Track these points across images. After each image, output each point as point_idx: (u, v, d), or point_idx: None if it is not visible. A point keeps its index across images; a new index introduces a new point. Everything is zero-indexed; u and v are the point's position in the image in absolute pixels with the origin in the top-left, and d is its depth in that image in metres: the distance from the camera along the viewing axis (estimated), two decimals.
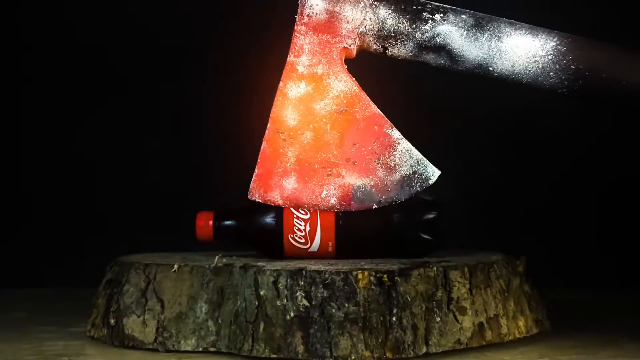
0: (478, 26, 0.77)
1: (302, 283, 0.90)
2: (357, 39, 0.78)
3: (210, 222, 1.05)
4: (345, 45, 0.79)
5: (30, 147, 1.62)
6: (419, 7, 0.77)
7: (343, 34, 0.78)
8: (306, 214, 1.01)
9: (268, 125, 0.81)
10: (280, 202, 0.83)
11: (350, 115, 0.79)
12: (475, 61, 0.78)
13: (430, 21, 0.76)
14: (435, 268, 0.93)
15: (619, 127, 1.44)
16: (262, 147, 0.82)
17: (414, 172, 0.80)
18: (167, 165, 1.61)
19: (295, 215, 1.01)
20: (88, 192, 1.61)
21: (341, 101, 0.78)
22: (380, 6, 0.77)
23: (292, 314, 0.89)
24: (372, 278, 0.90)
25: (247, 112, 1.60)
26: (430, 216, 1.02)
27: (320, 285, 0.89)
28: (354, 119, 0.79)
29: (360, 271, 0.90)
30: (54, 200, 1.61)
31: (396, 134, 0.80)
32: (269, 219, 1.02)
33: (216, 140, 1.61)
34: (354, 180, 0.81)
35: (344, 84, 0.79)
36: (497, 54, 0.77)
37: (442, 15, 0.77)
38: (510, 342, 0.98)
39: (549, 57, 0.77)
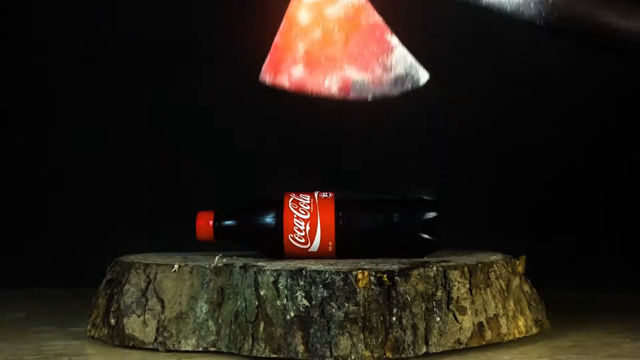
0: None
1: (302, 283, 0.90)
2: None
3: (211, 222, 1.05)
4: None
5: (30, 147, 1.62)
6: None
7: None
8: (306, 214, 1.02)
9: (282, 21, 0.88)
10: (287, 86, 0.89)
11: (356, 22, 0.87)
12: None
13: None
14: (435, 268, 0.93)
15: (618, 127, 1.44)
16: (275, 39, 0.89)
17: (407, 74, 0.88)
18: (167, 165, 1.61)
19: (295, 215, 1.01)
20: (88, 192, 1.61)
21: (349, 9, 0.87)
22: None
23: (292, 314, 0.89)
24: (372, 278, 0.90)
25: (248, 112, 1.61)
26: (430, 216, 1.02)
27: (320, 285, 0.90)
28: (359, 25, 0.87)
29: (360, 271, 0.90)
30: (54, 200, 1.61)
31: (395, 40, 0.88)
32: (269, 219, 1.03)
33: (216, 140, 1.61)
34: (354, 74, 0.88)
35: None
36: None
37: None
38: (510, 342, 0.98)
39: None
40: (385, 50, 0.87)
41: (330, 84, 0.89)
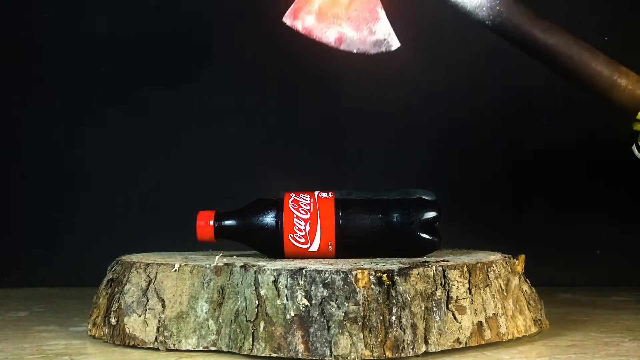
0: None
1: (302, 282, 0.90)
2: None
3: (211, 222, 1.05)
4: None
5: (30, 147, 1.62)
6: None
7: None
8: (306, 214, 1.02)
9: None
10: (300, 29, 1.12)
11: None
12: None
13: None
14: (434, 267, 0.93)
15: (617, 129, 1.45)
16: None
17: (384, 40, 1.11)
18: (167, 165, 1.62)
19: (295, 215, 1.02)
20: (89, 192, 1.62)
21: None
22: None
23: (292, 313, 0.90)
24: (371, 277, 0.90)
25: (249, 113, 1.61)
26: (430, 216, 1.02)
27: (320, 285, 0.90)
28: None
29: (360, 270, 0.90)
30: (54, 200, 1.62)
31: (382, 13, 1.12)
32: (269, 219, 1.03)
33: (217, 140, 1.62)
34: (348, 31, 1.12)
35: None
36: None
37: None
38: (509, 342, 0.99)
39: None
40: (374, 19, 1.12)
41: (329, 34, 1.12)
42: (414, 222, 1.02)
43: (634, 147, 1.16)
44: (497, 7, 1.11)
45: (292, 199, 1.03)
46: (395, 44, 1.12)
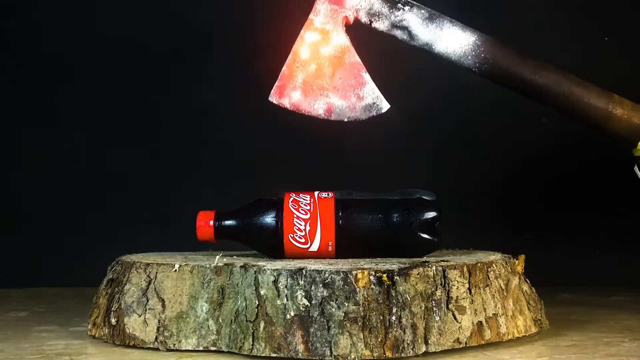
0: (429, 18, 1.14)
1: (302, 282, 0.90)
2: (355, 12, 1.14)
3: (211, 222, 1.05)
4: (347, 15, 1.14)
5: (30, 147, 1.62)
6: (396, 0, 1.14)
7: (347, 7, 1.13)
8: (306, 214, 1.02)
9: (289, 56, 1.13)
10: (288, 106, 1.13)
11: (341, 60, 1.13)
12: (424, 41, 1.14)
13: (401, 10, 1.14)
14: (434, 267, 0.93)
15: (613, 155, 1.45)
16: (282, 69, 1.14)
17: (374, 103, 1.13)
18: (167, 165, 1.62)
19: (295, 215, 1.02)
20: (89, 192, 1.62)
21: (337, 49, 1.13)
22: None
23: (292, 313, 0.90)
24: (371, 277, 0.90)
25: (248, 113, 1.61)
26: (430, 216, 1.02)
27: (320, 285, 0.90)
28: (343, 62, 1.13)
29: (360, 270, 0.90)
30: (54, 200, 1.62)
31: (367, 76, 1.13)
32: (269, 219, 1.03)
33: (217, 140, 1.62)
34: (336, 101, 1.13)
35: (341, 39, 1.13)
36: (438, 38, 1.14)
37: (409, 7, 1.14)
38: (509, 342, 0.99)
39: (470, 46, 1.13)
40: (360, 84, 1.13)
41: (318, 107, 1.13)
42: (414, 222, 1.02)
43: (635, 168, 1.17)
44: (483, 54, 1.13)
45: (292, 199, 1.03)
46: (385, 105, 1.13)
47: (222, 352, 0.93)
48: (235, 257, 1.04)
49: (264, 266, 0.93)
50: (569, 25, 1.61)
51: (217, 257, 1.00)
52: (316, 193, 1.04)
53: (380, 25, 1.14)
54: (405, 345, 0.90)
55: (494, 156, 1.61)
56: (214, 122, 1.61)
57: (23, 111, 1.62)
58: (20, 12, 1.62)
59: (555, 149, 1.60)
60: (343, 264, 0.95)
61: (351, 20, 1.14)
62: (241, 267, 0.94)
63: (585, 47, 1.59)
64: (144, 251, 1.14)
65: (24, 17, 1.62)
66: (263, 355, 0.90)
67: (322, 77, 1.12)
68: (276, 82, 1.13)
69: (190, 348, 0.94)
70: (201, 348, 0.94)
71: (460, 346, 0.93)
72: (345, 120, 1.14)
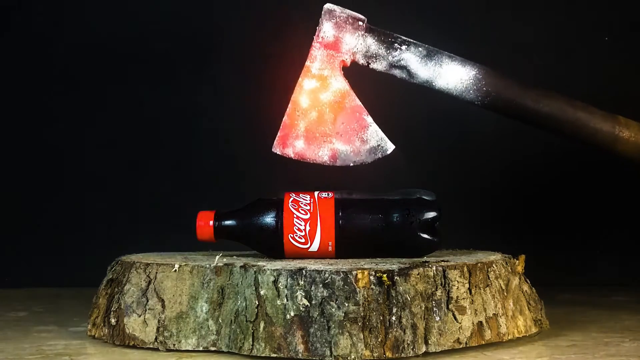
0: (428, 56, 1.14)
1: (302, 282, 0.90)
2: (351, 55, 1.14)
3: (211, 222, 1.05)
4: (344, 59, 1.13)
5: (30, 147, 1.62)
6: (392, 40, 1.14)
7: (343, 51, 1.13)
8: (306, 214, 1.02)
9: (289, 105, 1.12)
10: (292, 156, 1.13)
11: (341, 104, 1.12)
12: (424, 78, 1.14)
13: (398, 49, 1.13)
14: (434, 267, 0.93)
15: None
16: (283, 119, 1.12)
17: (378, 145, 1.12)
18: (167, 165, 1.62)
19: (295, 215, 1.02)
20: (89, 192, 1.61)
21: (337, 94, 1.12)
22: (369, 36, 1.13)
23: (292, 313, 0.90)
24: (371, 277, 0.90)
25: (248, 114, 1.61)
26: (430, 216, 1.02)
27: (320, 285, 0.90)
28: (344, 107, 1.12)
29: (360, 271, 0.90)
30: (54, 200, 1.62)
31: (369, 119, 1.12)
32: (269, 219, 1.03)
33: (217, 140, 1.62)
34: (340, 146, 1.13)
35: (340, 83, 1.13)
36: (438, 75, 1.13)
37: (406, 46, 1.14)
38: (510, 342, 0.99)
39: (470, 80, 1.13)
40: (362, 128, 1.12)
41: (322, 154, 1.13)
42: (414, 222, 1.02)
43: None
44: (484, 88, 1.12)
45: (292, 199, 1.03)
46: (390, 146, 1.12)
47: (222, 352, 0.93)
48: (235, 257, 1.04)
49: (264, 266, 0.93)
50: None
51: (217, 257, 1.00)
52: (316, 193, 1.04)
53: (379, 66, 1.13)
54: (406, 346, 0.90)
55: (495, 156, 1.61)
56: (215, 122, 1.61)
57: (22, 110, 1.62)
58: (20, 12, 1.62)
59: (555, 149, 1.60)
60: (343, 264, 0.95)
61: (348, 63, 1.14)
62: (241, 267, 0.94)
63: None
64: (144, 251, 1.13)
65: (22, 16, 1.62)
66: (263, 355, 0.90)
67: (324, 123, 1.12)
68: (278, 133, 1.13)
69: (190, 348, 0.94)
70: (201, 348, 0.94)
71: (461, 346, 0.93)
72: (351, 164, 1.13)
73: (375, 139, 1.11)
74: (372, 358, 0.88)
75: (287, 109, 1.12)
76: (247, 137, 1.61)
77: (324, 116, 1.11)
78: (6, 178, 1.62)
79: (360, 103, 1.12)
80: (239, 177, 1.59)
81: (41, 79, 1.62)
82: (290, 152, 1.12)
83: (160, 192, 1.60)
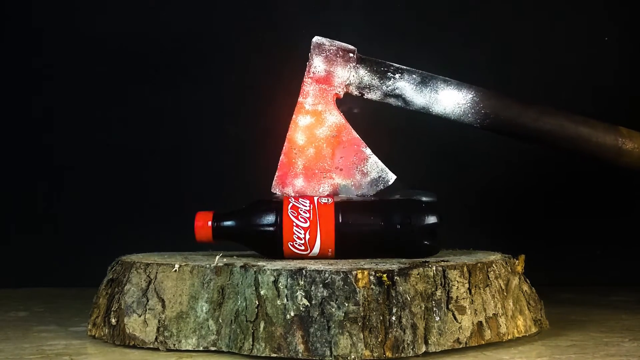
0: (423, 82, 1.12)
1: (302, 282, 0.90)
2: (344, 87, 1.12)
3: (209, 223, 1.04)
4: (337, 92, 1.12)
5: (30, 147, 1.62)
6: (385, 69, 1.12)
7: (335, 85, 1.11)
8: (306, 222, 1.00)
9: (285, 144, 1.11)
10: (292, 194, 1.10)
11: (338, 138, 1.11)
12: (420, 105, 1.13)
13: (392, 78, 1.12)
14: (434, 267, 0.93)
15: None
16: (280, 158, 1.11)
17: (379, 177, 1.10)
18: (167, 165, 1.62)
19: (294, 224, 1.00)
20: (89, 192, 1.62)
21: (332, 128, 1.11)
22: (360, 67, 1.11)
23: (292, 313, 0.90)
24: (371, 277, 0.90)
25: (248, 114, 1.61)
26: (431, 221, 1.02)
27: (320, 285, 0.90)
28: (341, 141, 1.11)
29: (360, 271, 0.90)
30: (54, 200, 1.62)
31: (368, 151, 1.11)
32: (269, 225, 1.01)
33: (217, 141, 1.62)
34: (340, 180, 1.11)
35: (335, 117, 1.11)
36: (435, 101, 1.12)
37: (400, 74, 1.12)
38: (509, 342, 0.99)
39: (468, 104, 1.12)
40: (361, 160, 1.10)
41: (323, 190, 1.11)
42: (415, 229, 1.01)
43: None
44: (483, 110, 1.11)
45: (291, 204, 1.01)
46: (391, 177, 1.10)
47: (222, 352, 0.93)
48: (235, 257, 1.04)
49: (264, 266, 0.93)
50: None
51: (217, 257, 1.00)
52: (316, 198, 1.03)
53: (373, 95, 1.12)
54: (405, 346, 0.90)
55: (495, 156, 1.61)
56: (215, 122, 1.61)
57: (22, 111, 1.62)
58: (20, 12, 1.62)
59: (554, 153, 1.60)
60: (343, 264, 0.95)
61: (341, 95, 1.12)
62: (241, 267, 0.94)
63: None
64: (144, 251, 1.14)
65: (22, 17, 1.62)
66: (263, 355, 0.90)
67: (323, 159, 1.10)
68: (276, 172, 1.11)
69: (190, 348, 0.94)
70: (201, 348, 0.94)
71: (460, 346, 0.93)
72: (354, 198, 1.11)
73: (375, 170, 1.09)
74: (372, 358, 0.88)
75: (284, 148, 1.10)
76: (248, 137, 1.61)
77: (322, 152, 1.10)
78: (6, 178, 1.61)
79: (357, 135, 1.10)
80: (239, 176, 1.59)
81: (40, 79, 1.62)
82: (290, 192, 1.10)
83: (160, 192, 1.60)
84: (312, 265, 0.93)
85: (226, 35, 1.61)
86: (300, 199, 1.03)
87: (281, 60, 1.33)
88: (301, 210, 1.01)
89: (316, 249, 1.01)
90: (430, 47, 1.57)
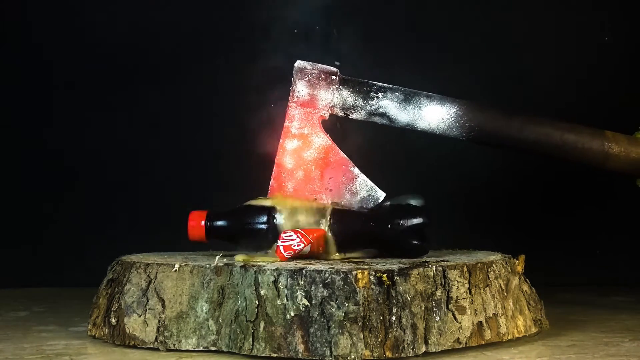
0: (406, 100, 1.13)
1: (302, 282, 0.90)
2: (329, 109, 1.13)
3: (203, 222, 1.05)
4: (322, 114, 1.13)
5: (30, 147, 1.62)
6: (368, 89, 1.13)
7: (320, 107, 1.13)
8: (299, 245, 1.01)
9: (274, 168, 1.12)
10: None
11: (326, 160, 1.12)
12: (405, 122, 1.14)
13: (375, 97, 1.13)
14: (434, 268, 0.93)
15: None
16: (270, 183, 1.12)
17: (369, 195, 1.11)
18: (168, 165, 1.62)
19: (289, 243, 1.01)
20: (89, 192, 1.62)
21: (320, 150, 1.12)
22: (343, 89, 1.13)
23: (292, 313, 0.90)
24: (371, 277, 0.90)
25: (248, 114, 1.61)
26: (419, 222, 1.04)
27: (320, 285, 0.90)
28: (329, 162, 1.12)
29: (360, 271, 0.90)
30: (54, 200, 1.62)
31: (356, 170, 1.12)
32: (260, 221, 1.03)
33: (217, 140, 1.62)
34: (331, 202, 1.11)
35: (321, 139, 1.12)
36: (419, 117, 1.13)
37: (383, 93, 1.13)
38: (509, 342, 0.99)
39: (452, 118, 1.12)
40: (350, 179, 1.11)
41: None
42: (404, 230, 1.04)
43: (638, 181, 1.18)
44: (467, 124, 1.12)
45: (283, 245, 1.01)
46: (380, 194, 1.11)
47: (222, 352, 0.93)
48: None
49: (264, 266, 0.93)
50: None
51: (217, 257, 1.00)
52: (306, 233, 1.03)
53: (358, 115, 1.13)
54: (405, 345, 0.90)
55: (495, 156, 1.61)
56: (214, 123, 1.61)
57: (22, 110, 1.62)
58: (20, 12, 1.62)
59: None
60: (343, 264, 0.95)
61: (327, 117, 1.13)
62: (241, 267, 0.94)
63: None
64: (144, 251, 1.14)
65: (22, 16, 1.62)
66: (263, 355, 0.90)
67: (312, 181, 1.11)
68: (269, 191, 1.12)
69: (190, 348, 0.94)
70: (201, 348, 0.94)
71: (460, 346, 0.93)
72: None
73: (364, 189, 1.11)
74: (372, 358, 0.88)
75: (273, 172, 1.12)
76: (248, 138, 1.61)
77: (311, 174, 1.11)
78: (6, 178, 1.62)
79: (345, 156, 1.12)
80: (239, 176, 1.59)
81: (40, 79, 1.62)
82: None
83: (160, 192, 1.60)
84: (312, 265, 0.93)
85: (226, 35, 1.61)
86: (290, 240, 1.02)
87: (281, 60, 1.33)
88: (293, 246, 1.01)
89: (307, 249, 1.02)
90: (416, 58, 1.59)
